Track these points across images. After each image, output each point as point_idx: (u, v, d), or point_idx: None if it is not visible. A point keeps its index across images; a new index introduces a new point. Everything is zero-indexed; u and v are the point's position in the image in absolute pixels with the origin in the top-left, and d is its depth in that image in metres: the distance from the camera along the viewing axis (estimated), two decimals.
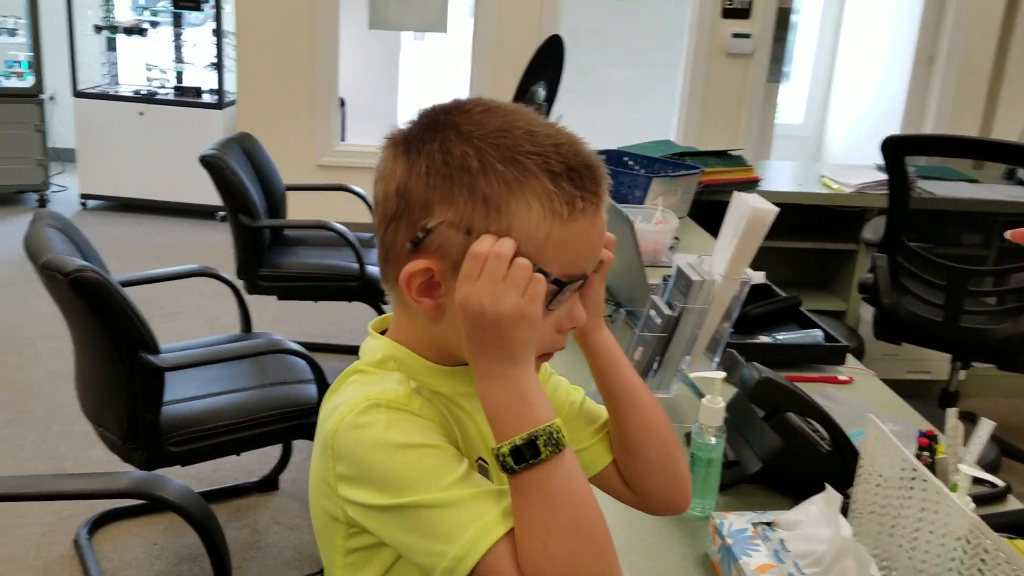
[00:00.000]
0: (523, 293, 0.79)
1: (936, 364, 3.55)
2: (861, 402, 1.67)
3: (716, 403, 1.27)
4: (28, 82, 5.52)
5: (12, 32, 5.60)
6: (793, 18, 5.66)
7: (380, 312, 3.25)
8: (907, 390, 1.90)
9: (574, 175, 0.81)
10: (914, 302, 2.79)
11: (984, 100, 5.30)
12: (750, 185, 3.36)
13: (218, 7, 5.39)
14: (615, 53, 5.74)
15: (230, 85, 5.44)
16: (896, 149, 2.67)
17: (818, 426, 1.34)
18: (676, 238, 2.59)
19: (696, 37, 5.37)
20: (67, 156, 6.04)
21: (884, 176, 2.96)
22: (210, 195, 3.13)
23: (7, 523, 2.57)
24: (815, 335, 1.87)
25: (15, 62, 5.58)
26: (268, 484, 2.81)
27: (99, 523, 2.59)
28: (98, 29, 5.66)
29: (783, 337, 1.88)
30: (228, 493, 2.79)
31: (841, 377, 1.78)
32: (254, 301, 3.45)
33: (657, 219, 2.48)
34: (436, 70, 7.63)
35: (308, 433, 2.25)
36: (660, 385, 1.59)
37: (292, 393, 2.31)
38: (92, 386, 2.19)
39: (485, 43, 5.21)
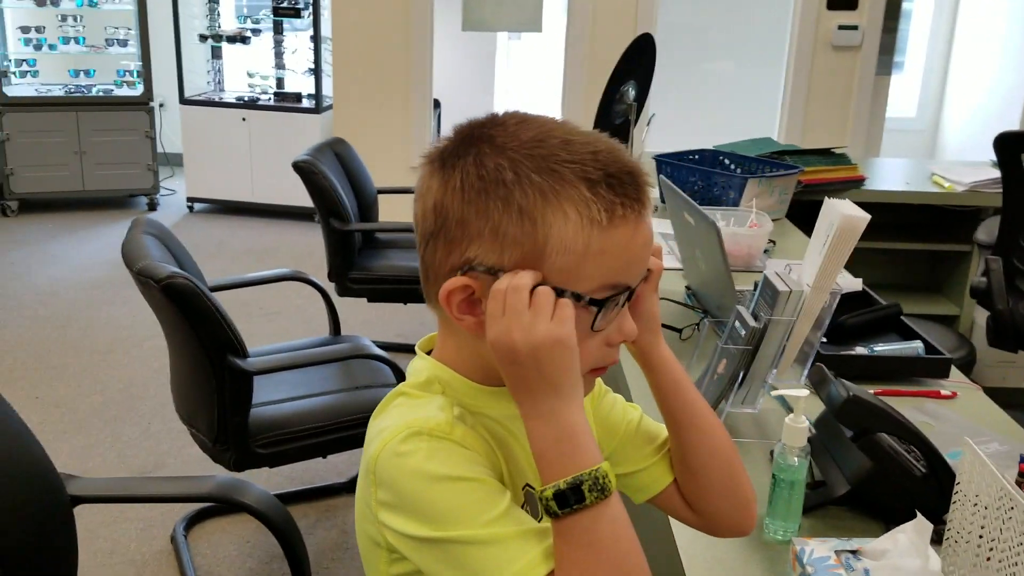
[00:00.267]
0: (552, 317, 0.77)
1: None
2: (964, 419, 1.56)
3: (800, 422, 1.20)
4: (138, 90, 5.75)
5: (123, 43, 5.84)
6: (905, 5, 5.42)
7: None
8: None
9: (613, 182, 0.78)
10: None
11: None
12: (854, 184, 3.23)
13: (316, 13, 5.50)
14: (715, 48, 5.61)
15: (328, 90, 5.54)
16: (1010, 146, 2.51)
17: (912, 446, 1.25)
18: (772, 242, 2.50)
19: (799, 30, 5.19)
20: (176, 160, 6.26)
21: (999, 174, 2.80)
22: (309, 198, 3.20)
23: (110, 518, 2.67)
24: (915, 347, 1.76)
25: (126, 71, 5.82)
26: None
27: (195, 520, 2.66)
28: (203, 38, 5.85)
29: (881, 349, 1.78)
30: (318, 493, 2.83)
31: (943, 392, 1.67)
32: (346, 303, 3.50)
33: (751, 222, 2.39)
34: (533, 70, 7.61)
35: None
36: (745, 400, 1.52)
37: (377, 397, 2.29)
38: (184, 388, 2.25)
39: (578, 41, 5.16)
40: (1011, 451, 1.35)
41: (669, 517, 1.23)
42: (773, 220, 2.57)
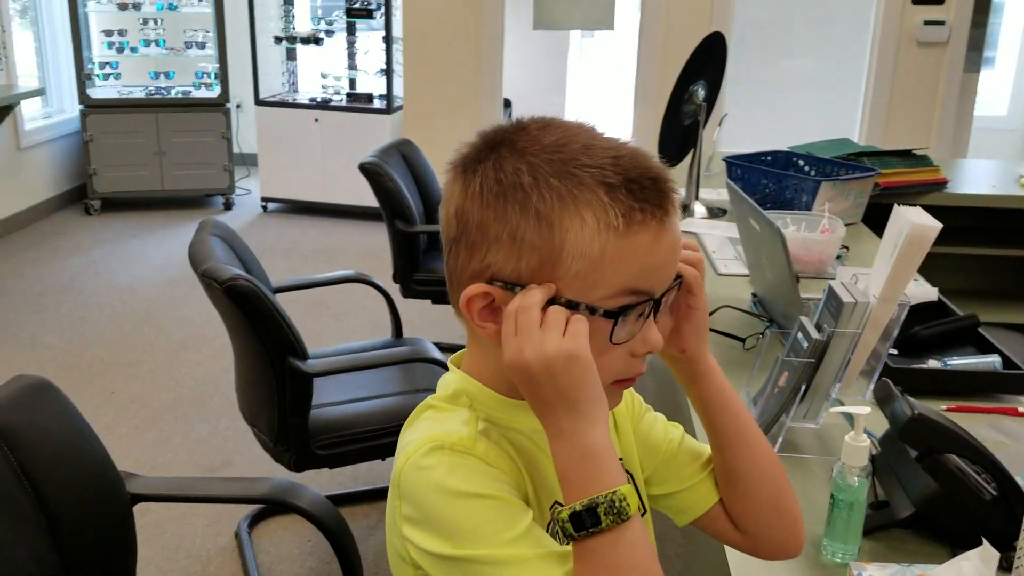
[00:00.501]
0: (564, 333, 0.75)
1: None
2: None
3: (860, 441, 1.14)
4: (215, 92, 5.88)
5: (202, 45, 5.97)
6: None
7: None
8: None
9: (633, 187, 0.76)
10: None
11: None
12: (936, 187, 3.11)
13: (388, 14, 5.54)
14: (794, 45, 5.48)
15: (400, 90, 5.58)
16: None
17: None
18: (845, 247, 2.42)
19: (883, 26, 5.03)
20: (252, 161, 6.38)
21: None
22: None
23: (178, 513, 2.72)
24: (992, 361, 1.68)
25: (204, 73, 5.95)
26: None
27: (259, 518, 2.69)
28: (278, 40, 5.95)
29: (955, 362, 1.69)
30: (381, 494, 2.84)
31: (1021, 408, 1.59)
32: (413, 305, 3.51)
33: (823, 227, 2.32)
34: (606, 68, 7.54)
35: None
36: (807, 415, 1.47)
37: None
38: (247, 389, 2.28)
39: (652, 39, 5.09)
40: None
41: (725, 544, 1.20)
42: (848, 225, 2.49)
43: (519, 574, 0.74)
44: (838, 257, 2.35)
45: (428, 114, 5.25)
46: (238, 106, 6.37)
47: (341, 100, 5.87)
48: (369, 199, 3.09)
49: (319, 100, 5.84)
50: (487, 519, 0.76)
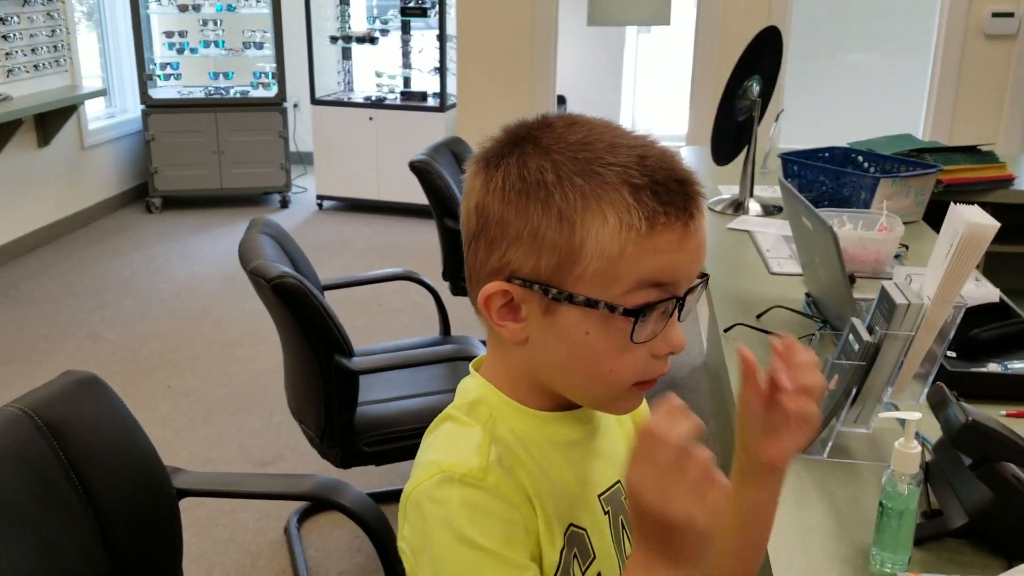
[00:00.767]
0: (697, 495, 0.67)
1: None
2: None
3: (911, 448, 1.10)
4: (273, 91, 5.96)
5: (259, 45, 6.06)
6: None
7: None
8: None
9: (659, 189, 0.75)
10: None
11: None
12: (1002, 184, 3.01)
13: (442, 13, 5.55)
14: (856, 38, 5.36)
15: (453, 88, 5.59)
16: None
17: None
18: (904, 246, 2.35)
19: (949, 18, 4.89)
20: (308, 159, 6.46)
21: None
22: None
23: (229, 507, 2.75)
24: None
25: (262, 73, 6.03)
26: None
27: (308, 513, 2.71)
28: (333, 40, 6.00)
29: (1016, 366, 1.63)
30: None
31: None
32: (462, 302, 3.51)
33: (881, 225, 2.25)
34: (663, 64, 7.47)
35: None
36: (859, 419, 1.42)
37: None
38: (295, 385, 2.29)
39: (708, 34, 5.02)
40: None
41: (769, 547, 1.17)
42: (909, 223, 2.42)
43: None
44: (897, 256, 2.29)
45: (481, 112, 5.25)
46: (295, 105, 6.45)
47: (395, 99, 5.90)
48: (422, 197, 3.09)
49: (374, 99, 5.88)
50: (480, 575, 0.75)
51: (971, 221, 1.23)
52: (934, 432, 1.27)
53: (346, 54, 6.18)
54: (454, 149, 3.44)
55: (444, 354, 2.28)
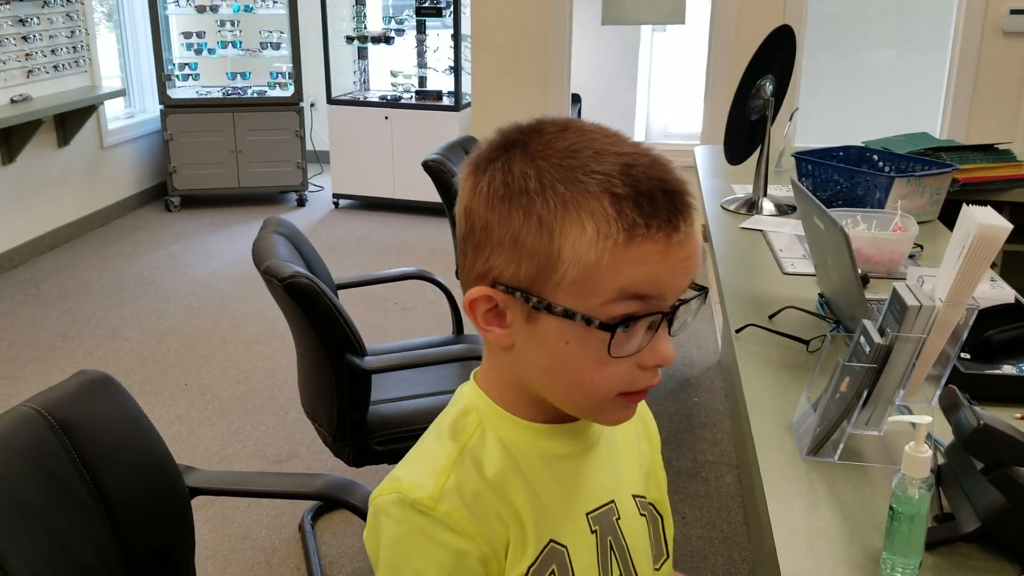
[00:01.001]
0: None
1: None
2: None
3: (921, 452, 1.09)
4: (290, 91, 5.98)
5: (276, 46, 6.09)
6: None
7: None
8: None
9: (642, 199, 0.73)
10: None
11: None
12: (1019, 183, 2.98)
13: (456, 12, 5.56)
14: (873, 36, 5.32)
15: (468, 87, 5.60)
16: None
17: None
18: (919, 246, 2.33)
19: (966, 15, 4.84)
20: (325, 158, 6.48)
21: None
22: None
23: (244, 504, 2.77)
24: None
25: (279, 73, 6.06)
26: None
27: (322, 511, 2.73)
28: (349, 40, 6.02)
29: None
30: None
31: None
32: None
33: (895, 225, 2.24)
34: (678, 63, 7.44)
35: None
36: (870, 422, 1.41)
37: None
38: (308, 384, 2.30)
39: (723, 33, 4.99)
40: None
41: (777, 550, 1.16)
42: (924, 222, 2.40)
43: None
44: (911, 256, 2.27)
45: (496, 111, 5.24)
46: (311, 105, 6.47)
47: (411, 98, 5.92)
48: (437, 196, 3.10)
49: (389, 98, 5.90)
50: None
51: (983, 223, 1.22)
52: (947, 435, 1.26)
53: (362, 54, 6.20)
54: (468, 148, 3.45)
55: (456, 354, 2.28)
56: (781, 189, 2.87)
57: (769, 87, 2.67)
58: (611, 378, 0.78)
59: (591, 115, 5.93)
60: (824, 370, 1.57)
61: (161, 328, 4.15)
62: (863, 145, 2.94)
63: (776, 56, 2.68)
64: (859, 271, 1.72)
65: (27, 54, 4.90)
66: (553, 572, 0.83)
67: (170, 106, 5.84)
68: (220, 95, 5.99)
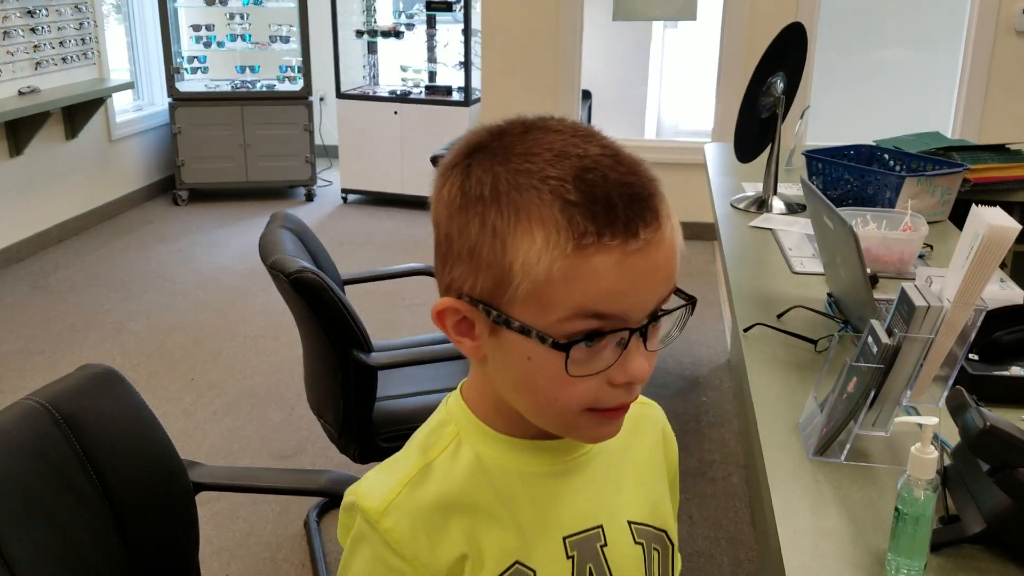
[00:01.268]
0: None
1: None
2: None
3: (927, 453, 1.08)
4: (299, 85, 5.98)
5: (286, 39, 6.09)
6: None
7: None
8: None
9: (596, 206, 0.68)
10: None
11: None
12: None
13: (467, 7, 5.55)
14: (885, 35, 5.29)
15: (478, 82, 5.59)
16: None
17: None
18: (928, 246, 2.32)
19: (979, 14, 4.82)
20: (334, 153, 6.48)
21: None
22: None
23: (250, 500, 2.77)
24: None
25: (288, 67, 6.06)
26: None
27: (328, 507, 2.73)
28: (359, 34, 6.02)
29: None
30: None
31: None
32: None
33: (905, 224, 2.22)
34: (690, 59, 7.41)
35: None
36: (876, 422, 1.40)
37: None
38: (313, 379, 2.30)
39: (735, 29, 4.98)
40: None
41: (783, 550, 1.15)
42: (934, 223, 2.39)
43: None
44: (921, 256, 2.25)
45: (506, 106, 5.23)
46: (320, 99, 6.47)
47: (420, 93, 5.91)
48: None
49: (399, 93, 5.89)
50: None
51: (992, 223, 1.21)
52: (954, 436, 1.25)
53: (372, 48, 6.19)
54: None
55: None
56: (791, 187, 2.85)
57: (780, 85, 2.66)
58: (578, 395, 0.73)
59: (601, 111, 5.91)
60: (832, 370, 1.56)
61: (168, 322, 4.16)
62: (874, 144, 2.92)
63: (788, 53, 2.67)
64: (868, 271, 1.71)
65: (35, 46, 4.91)
66: None
67: (179, 99, 5.85)
68: (229, 89, 5.99)
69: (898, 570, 1.13)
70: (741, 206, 2.69)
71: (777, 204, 2.67)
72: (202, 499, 1.54)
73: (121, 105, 5.91)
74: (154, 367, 3.69)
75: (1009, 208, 1.56)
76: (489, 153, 0.72)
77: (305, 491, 1.73)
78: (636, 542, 0.88)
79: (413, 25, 6.03)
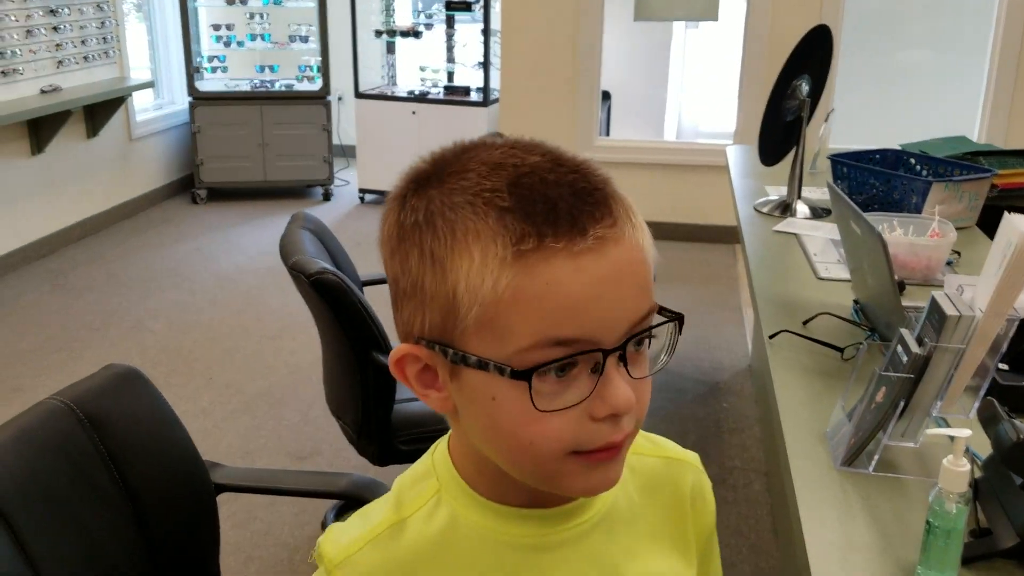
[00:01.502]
0: None
1: None
2: None
3: (959, 466, 1.07)
4: (317, 85, 5.99)
5: (305, 39, 6.10)
6: None
7: None
8: None
9: (532, 208, 0.61)
10: None
11: None
12: None
13: (486, 7, 5.54)
14: (911, 36, 5.25)
15: (497, 83, 5.58)
16: None
17: None
18: (956, 253, 2.29)
19: (1006, 15, 4.76)
20: (351, 152, 6.49)
21: None
22: None
23: (267, 500, 2.77)
24: None
25: (307, 67, 6.07)
26: None
27: (345, 508, 2.72)
28: (378, 34, 6.02)
29: None
30: None
31: None
32: None
33: (932, 231, 2.20)
34: (711, 60, 7.38)
35: None
36: (906, 433, 1.38)
37: None
38: (333, 381, 2.30)
39: (758, 30, 4.94)
40: None
41: (810, 561, 1.14)
42: (961, 228, 2.36)
43: None
44: (949, 263, 2.23)
45: (524, 107, 5.23)
46: (339, 99, 6.47)
47: (438, 93, 5.91)
48: None
49: (417, 93, 5.89)
50: None
51: None
52: (985, 447, 1.23)
53: (390, 48, 6.20)
54: None
55: None
56: (815, 191, 2.83)
57: (805, 88, 2.63)
58: (554, 435, 0.63)
59: (621, 113, 5.89)
60: (860, 379, 1.54)
61: (186, 321, 4.17)
62: (900, 148, 2.89)
63: (812, 56, 2.64)
64: (896, 278, 1.69)
65: (57, 44, 4.94)
66: None
67: (198, 98, 5.86)
68: (248, 88, 6.01)
69: None
70: (765, 210, 2.66)
71: (801, 208, 2.65)
72: (220, 499, 1.54)
73: (141, 104, 5.94)
74: (172, 365, 3.70)
75: None
76: (424, 180, 0.66)
77: (326, 494, 1.72)
78: None
79: (432, 25, 6.03)
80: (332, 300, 2.01)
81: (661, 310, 0.66)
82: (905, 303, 1.81)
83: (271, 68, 6.21)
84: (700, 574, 0.85)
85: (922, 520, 1.12)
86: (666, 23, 6.25)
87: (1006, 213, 1.29)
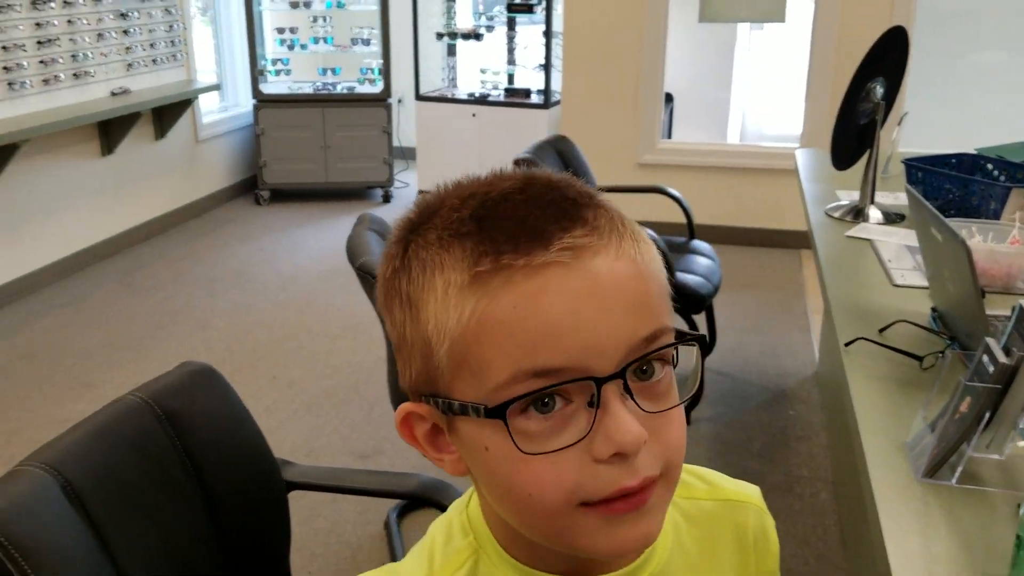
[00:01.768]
0: None
1: None
2: None
3: None
4: (379, 87, 6.03)
5: (367, 42, 6.15)
6: None
7: (688, 323, 3.13)
8: None
9: (494, 229, 0.56)
10: None
11: None
12: None
13: (548, 9, 5.53)
14: (986, 36, 5.11)
15: (558, 85, 5.57)
16: None
17: None
18: None
19: None
20: (411, 155, 6.53)
21: None
22: None
23: (331, 498, 2.79)
24: None
25: (368, 69, 6.12)
26: None
27: (408, 508, 2.73)
28: (439, 36, 6.05)
29: None
30: None
31: None
32: None
33: (1013, 238, 2.14)
34: (777, 63, 7.28)
35: None
36: (991, 445, 1.34)
37: None
38: (394, 382, 2.30)
39: (826, 33, 4.85)
40: None
41: (893, 573, 1.11)
42: None
43: None
44: None
45: (586, 109, 5.20)
46: (399, 101, 6.52)
47: (499, 95, 5.91)
48: None
49: (477, 95, 5.91)
50: None
51: None
52: None
53: (451, 50, 6.23)
54: (559, 147, 3.42)
55: None
56: (887, 196, 2.76)
57: (879, 90, 2.57)
58: (550, 482, 0.55)
59: (683, 115, 5.83)
60: (942, 389, 1.49)
61: (249, 321, 4.23)
62: (976, 152, 2.81)
63: (888, 58, 2.59)
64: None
65: (127, 48, 5.05)
66: None
67: (263, 101, 5.95)
68: (311, 91, 6.08)
69: None
70: (836, 215, 2.61)
71: (874, 214, 2.59)
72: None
73: (207, 106, 6.04)
74: (237, 364, 3.75)
75: None
76: (409, 227, 0.62)
77: (396, 494, 1.72)
78: None
79: (493, 27, 6.04)
80: None
81: (679, 334, 0.58)
82: (986, 312, 1.76)
83: (333, 71, 6.28)
84: None
85: (1007, 534, 1.09)
86: (731, 25, 6.18)
87: None
